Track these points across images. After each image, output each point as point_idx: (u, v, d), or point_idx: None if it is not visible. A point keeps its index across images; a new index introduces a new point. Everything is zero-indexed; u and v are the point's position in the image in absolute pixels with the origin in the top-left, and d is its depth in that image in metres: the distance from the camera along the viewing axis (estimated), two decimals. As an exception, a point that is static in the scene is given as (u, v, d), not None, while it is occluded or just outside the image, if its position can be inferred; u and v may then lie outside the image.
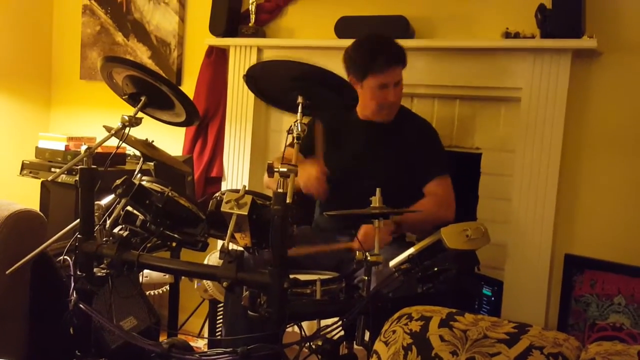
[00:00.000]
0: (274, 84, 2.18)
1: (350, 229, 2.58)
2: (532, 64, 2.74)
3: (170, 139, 3.61)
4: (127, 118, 2.16)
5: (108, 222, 2.12)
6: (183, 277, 3.25)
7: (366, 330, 2.01)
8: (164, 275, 3.19)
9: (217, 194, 2.05)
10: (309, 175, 2.51)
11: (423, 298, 1.99)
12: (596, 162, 2.74)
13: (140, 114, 2.22)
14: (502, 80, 2.84)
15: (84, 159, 2.08)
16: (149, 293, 3.26)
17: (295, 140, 1.98)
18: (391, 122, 2.72)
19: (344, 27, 3.12)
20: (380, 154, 2.69)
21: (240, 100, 3.46)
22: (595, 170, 2.75)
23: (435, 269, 1.97)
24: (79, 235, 2.08)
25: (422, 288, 2.03)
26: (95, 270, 2.07)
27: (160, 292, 3.38)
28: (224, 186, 3.55)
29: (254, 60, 3.37)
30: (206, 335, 3.30)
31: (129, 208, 2.16)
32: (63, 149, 3.37)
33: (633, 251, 2.61)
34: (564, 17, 2.61)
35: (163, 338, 3.28)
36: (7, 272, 2.23)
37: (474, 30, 2.95)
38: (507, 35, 2.78)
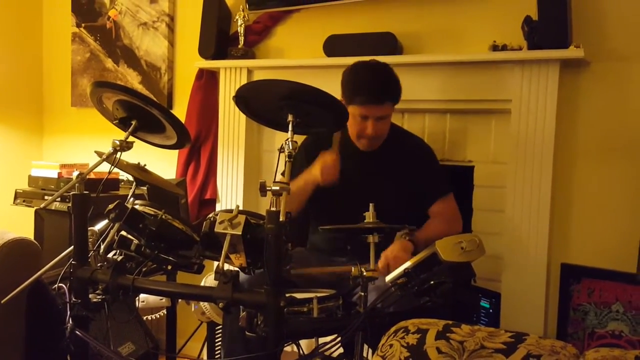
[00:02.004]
0: (264, 103, 2.19)
1: (345, 248, 2.58)
2: (521, 76, 2.76)
3: (163, 163, 3.62)
4: (118, 143, 2.16)
5: (102, 247, 2.12)
6: (180, 301, 3.24)
7: (365, 346, 2.01)
8: (161, 299, 3.18)
9: (210, 215, 2.05)
10: (324, 161, 2.54)
11: (421, 312, 1.98)
12: (588, 170, 2.75)
13: (131, 138, 2.22)
14: (491, 92, 2.85)
15: (76, 185, 2.07)
16: (147, 318, 3.25)
17: (287, 159, 1.98)
18: (384, 145, 2.70)
19: (332, 45, 3.14)
20: (376, 179, 2.68)
21: (231, 121, 3.47)
22: (587, 179, 2.76)
23: (432, 282, 1.96)
24: (73, 262, 2.07)
25: (420, 302, 2.03)
26: (90, 296, 2.06)
27: (158, 316, 3.36)
28: (219, 208, 3.54)
29: (244, 82, 3.38)
30: (205, 358, 3.28)
31: (123, 233, 2.16)
32: (56, 176, 3.39)
33: (629, 258, 2.61)
34: (551, 28, 2.63)
35: (162, 363, 3.28)
36: (2, 301, 2.21)
37: (461, 44, 2.98)
38: (495, 48, 2.80)
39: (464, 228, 2.85)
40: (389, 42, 2.99)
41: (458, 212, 2.71)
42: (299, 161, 2.71)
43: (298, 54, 3.40)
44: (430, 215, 2.66)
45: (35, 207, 3.38)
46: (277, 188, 1.81)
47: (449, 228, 2.61)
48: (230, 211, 1.89)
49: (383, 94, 2.57)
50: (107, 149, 2.19)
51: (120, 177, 3.46)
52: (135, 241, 2.15)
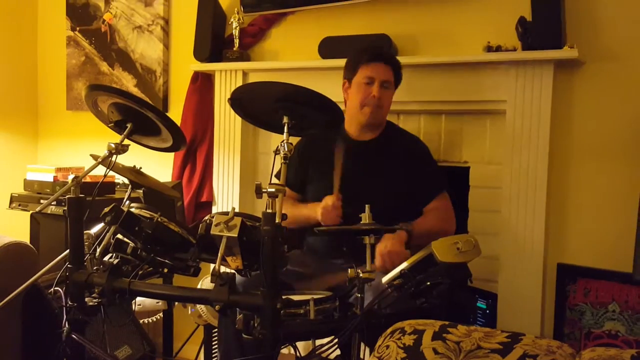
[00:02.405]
0: (259, 105, 2.19)
1: (341, 249, 2.58)
2: (515, 77, 2.76)
3: (159, 166, 3.62)
4: (113, 146, 2.16)
5: (98, 250, 2.11)
6: (177, 304, 3.23)
7: (362, 348, 2.01)
8: (157, 303, 3.17)
9: (206, 218, 2.05)
10: (326, 204, 2.52)
11: (417, 313, 1.98)
12: (584, 170, 2.75)
13: (126, 141, 2.22)
14: (486, 93, 2.86)
15: (72, 188, 2.07)
16: (143, 321, 3.25)
17: (282, 161, 1.98)
18: (379, 140, 2.72)
19: (327, 47, 3.14)
20: (371, 175, 2.68)
21: (227, 124, 3.47)
22: (583, 179, 2.76)
23: (428, 283, 1.96)
24: (69, 265, 2.07)
25: (416, 303, 2.03)
26: (87, 299, 2.06)
27: (154, 319, 3.36)
28: (215, 210, 3.54)
29: (239, 84, 3.38)
30: (202, 361, 3.28)
31: (119, 236, 2.16)
32: (51, 180, 3.38)
33: (625, 258, 2.60)
34: (544, 28, 2.63)
35: (158, 366, 3.27)
36: (-2, 306, 2.21)
37: (456, 46, 2.98)
38: (489, 49, 2.80)
39: (460, 229, 2.85)
40: (383, 44, 2.99)
41: (452, 211, 2.70)
42: (292, 164, 2.72)
43: (293, 56, 3.39)
44: (425, 212, 2.66)
45: (31, 211, 3.37)
46: (273, 190, 1.81)
47: (444, 224, 2.62)
48: (226, 213, 1.89)
49: (388, 55, 2.69)
50: (103, 152, 2.19)
51: (116, 181, 3.46)
52: (132, 244, 2.15)
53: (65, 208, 2.09)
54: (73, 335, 2.02)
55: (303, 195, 2.81)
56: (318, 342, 2.05)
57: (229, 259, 1.97)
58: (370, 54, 2.65)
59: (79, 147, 4.09)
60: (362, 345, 2.04)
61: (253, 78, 3.41)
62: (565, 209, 2.78)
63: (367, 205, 2.05)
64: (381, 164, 2.68)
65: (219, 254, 1.85)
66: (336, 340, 1.90)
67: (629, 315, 2.59)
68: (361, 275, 1.95)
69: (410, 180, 2.64)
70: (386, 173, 2.67)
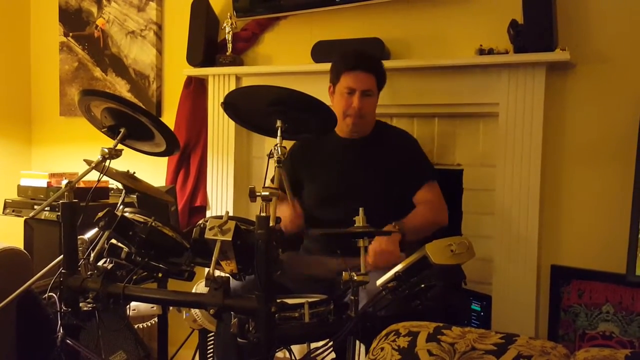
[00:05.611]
0: (252, 109, 2.19)
1: (336, 250, 2.58)
2: (507, 79, 2.77)
3: (153, 170, 3.61)
4: (106, 150, 2.17)
5: (92, 255, 2.11)
6: (171, 308, 3.23)
7: (357, 351, 2.01)
8: (152, 307, 3.17)
9: (200, 222, 2.05)
10: (284, 219, 2.50)
11: (412, 315, 1.98)
12: (576, 172, 2.76)
13: (120, 146, 2.22)
14: (478, 96, 2.86)
15: (65, 193, 2.07)
16: (138, 326, 3.24)
17: (276, 164, 1.99)
18: (369, 137, 2.73)
19: (320, 51, 3.15)
20: (363, 172, 2.69)
21: (221, 128, 3.47)
22: (576, 180, 2.77)
23: (422, 285, 1.96)
24: (63, 271, 2.07)
25: (411, 305, 2.03)
26: (81, 304, 2.06)
27: (149, 324, 3.35)
28: (209, 215, 3.54)
29: (232, 89, 3.38)
30: (197, 366, 3.27)
31: (113, 241, 2.16)
32: (45, 186, 3.38)
33: (618, 259, 2.61)
34: (536, 31, 2.64)
35: (153, 371, 3.26)
36: (-8, 311, 2.21)
37: (448, 49, 2.99)
38: (481, 52, 2.81)
39: (453, 231, 2.85)
40: (376, 48, 2.99)
41: (443, 200, 2.71)
42: (284, 167, 2.72)
43: (286, 61, 3.40)
44: (416, 204, 2.67)
45: (25, 217, 3.37)
46: (267, 193, 1.81)
47: (435, 216, 2.63)
48: (220, 217, 1.89)
49: (369, 62, 2.64)
50: (96, 157, 2.19)
51: (110, 186, 3.46)
52: (126, 249, 2.15)
53: (59, 213, 2.09)
54: (68, 341, 2.02)
55: (297, 198, 2.81)
56: (313, 345, 2.05)
57: (223, 263, 1.97)
58: (350, 61, 2.63)
59: (73, 153, 4.09)
60: (357, 348, 2.04)
61: (246, 82, 3.41)
62: (559, 211, 2.79)
63: (360, 209, 2.05)
64: (371, 160, 2.70)
65: (213, 258, 1.85)
66: (331, 343, 1.90)
67: (622, 316, 2.60)
68: (355, 278, 1.95)
69: (399, 170, 2.65)
70: (376, 168, 2.67)
